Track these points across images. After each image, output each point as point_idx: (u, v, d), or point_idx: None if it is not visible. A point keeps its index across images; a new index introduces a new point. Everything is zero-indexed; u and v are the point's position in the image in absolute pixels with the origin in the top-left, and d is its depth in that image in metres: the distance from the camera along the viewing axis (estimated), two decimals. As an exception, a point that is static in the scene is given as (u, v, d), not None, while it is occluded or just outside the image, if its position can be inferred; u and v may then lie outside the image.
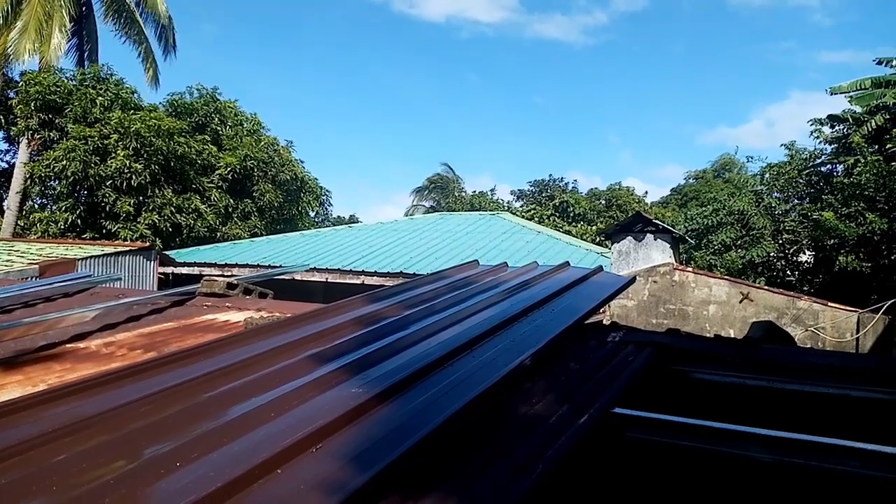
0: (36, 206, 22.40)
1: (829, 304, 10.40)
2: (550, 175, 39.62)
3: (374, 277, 13.60)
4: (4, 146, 25.78)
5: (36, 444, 1.70)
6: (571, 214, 33.34)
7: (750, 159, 24.73)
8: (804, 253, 18.70)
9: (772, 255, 18.53)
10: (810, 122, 18.76)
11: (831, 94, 18.02)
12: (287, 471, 1.57)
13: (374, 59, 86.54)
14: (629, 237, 11.18)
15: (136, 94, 22.82)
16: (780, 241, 18.65)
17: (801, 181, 19.19)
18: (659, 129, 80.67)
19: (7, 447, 1.69)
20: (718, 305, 10.53)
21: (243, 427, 1.81)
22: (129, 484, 1.51)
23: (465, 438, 1.95)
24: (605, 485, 2.11)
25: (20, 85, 21.30)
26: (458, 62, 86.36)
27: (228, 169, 22.52)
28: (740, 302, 10.47)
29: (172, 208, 20.36)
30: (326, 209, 31.93)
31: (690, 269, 11.40)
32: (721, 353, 3.13)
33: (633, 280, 4.54)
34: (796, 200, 19.66)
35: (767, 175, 20.56)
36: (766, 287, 11.36)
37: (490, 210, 27.85)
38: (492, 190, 42.31)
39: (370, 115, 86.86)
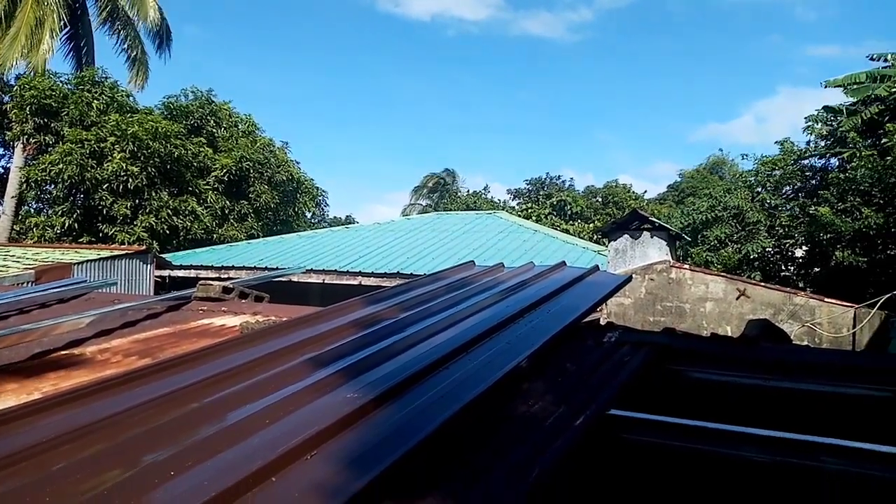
0: (32, 210, 22.34)
1: (826, 299, 10.42)
2: (547, 173, 39.79)
3: (372, 278, 13.60)
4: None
5: (32, 453, 1.70)
6: (569, 213, 33.38)
7: (745, 157, 24.72)
8: (800, 248, 18.75)
9: (767, 249, 18.57)
10: (806, 119, 18.80)
11: (825, 87, 18.07)
12: (282, 478, 1.56)
13: (363, 60, 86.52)
14: (626, 235, 11.18)
15: (131, 97, 22.80)
16: (776, 236, 18.70)
17: (795, 176, 19.23)
18: (649, 127, 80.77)
19: (3, 457, 1.69)
20: (715, 302, 10.54)
21: (239, 434, 1.80)
22: (124, 494, 1.50)
23: (461, 441, 1.95)
24: (601, 487, 2.12)
25: (15, 89, 21.26)
26: (446, 61, 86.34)
27: (224, 170, 22.51)
28: (737, 299, 10.48)
29: (169, 211, 20.33)
30: (323, 210, 31.96)
31: (687, 266, 11.41)
32: (717, 352, 3.13)
33: (629, 279, 4.54)
34: (791, 195, 19.71)
35: (762, 171, 20.60)
36: (762, 283, 11.37)
37: (487, 210, 27.84)
38: (485, 188, 42.54)
39: (361, 114, 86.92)
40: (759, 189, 20.09)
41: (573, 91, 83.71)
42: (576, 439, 2.02)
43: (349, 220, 40.28)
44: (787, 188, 19.72)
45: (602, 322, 3.85)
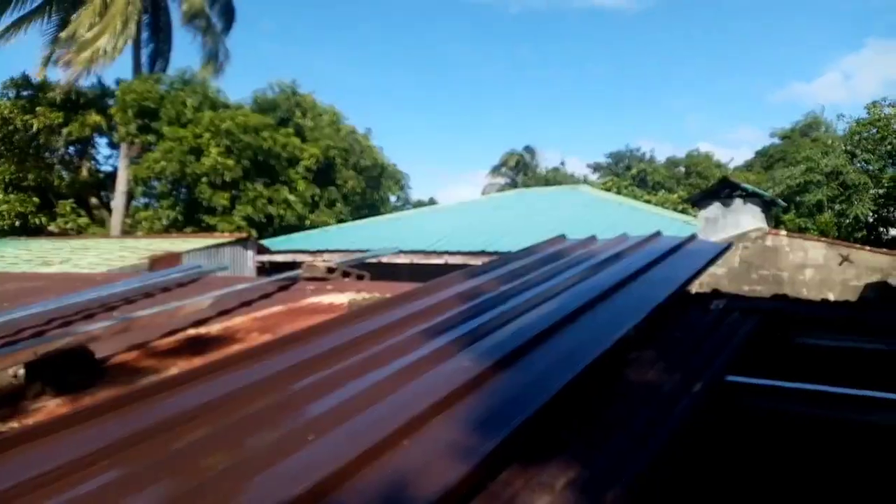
0: (140, 205, 23.78)
1: (943, 263, 9.70)
2: (627, 145, 38.86)
3: (458, 257, 13.70)
4: (107, 151, 27.48)
5: (188, 417, 1.86)
6: (650, 184, 32.42)
7: (841, 117, 22.97)
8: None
9: (870, 211, 17.47)
10: None
11: None
12: (415, 440, 1.65)
13: (429, 42, 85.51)
14: (716, 203, 10.76)
15: (220, 93, 23.78)
16: (877, 199, 17.53)
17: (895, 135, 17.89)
18: (725, 91, 76.03)
19: (157, 423, 1.86)
20: (816, 269, 10.01)
21: (365, 402, 1.90)
22: (267, 456, 1.62)
23: (579, 407, 1.98)
24: (722, 454, 2.10)
25: (116, 94, 22.58)
26: (512, 37, 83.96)
27: (312, 159, 23.18)
28: (839, 264, 9.91)
29: (264, 200, 21.18)
30: (406, 193, 32.37)
31: (784, 232, 10.88)
32: (832, 316, 3.02)
33: (729, 246, 4.41)
34: (891, 155, 18.35)
35: (859, 131, 19.27)
36: (867, 247, 10.69)
37: (567, 184, 27.42)
38: (562, 164, 42.24)
39: (433, 97, 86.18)
40: (858, 151, 18.82)
41: (643, 59, 79.83)
42: (695, 405, 2.02)
43: (432, 202, 40.64)
44: (888, 148, 18.36)
45: (694, 292, 3.76)
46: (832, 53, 76.03)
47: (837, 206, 18.01)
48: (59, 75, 22.69)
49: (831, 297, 9.71)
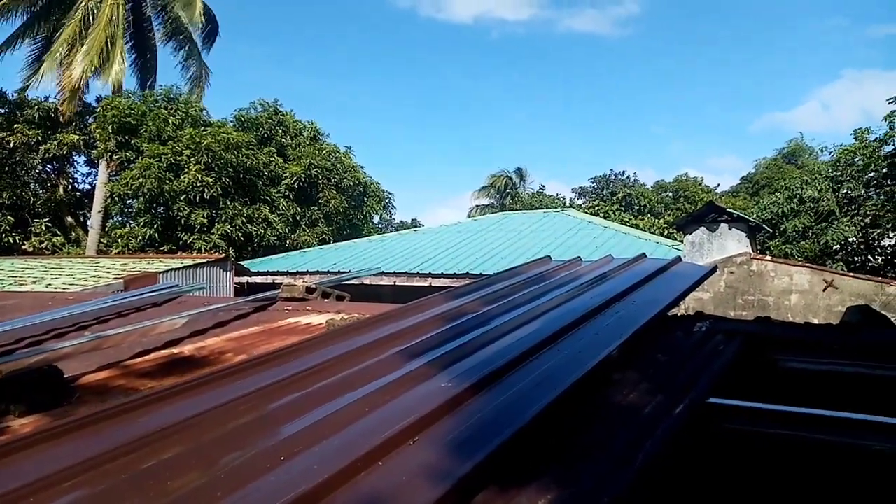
0: (117, 223, 23.51)
1: (922, 289, 9.81)
2: (611, 170, 39.20)
3: (441, 279, 13.66)
4: (85, 169, 27.24)
5: (158, 437, 1.78)
6: (636, 208, 32.69)
7: (823, 149, 23.48)
8: (888, 236, 17.81)
9: (850, 239, 17.71)
10: (889, 101, 17.68)
11: None
12: (388, 462, 1.59)
13: (413, 67, 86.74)
14: (702, 228, 10.84)
15: (204, 111, 23.68)
16: (861, 225, 17.80)
17: (879, 163, 18.21)
18: (706, 119, 78.12)
19: (126, 443, 1.78)
20: (800, 295, 10.09)
21: (339, 423, 1.84)
22: (237, 477, 1.55)
23: (559, 429, 1.93)
24: (704, 476, 2.06)
25: (98, 110, 22.42)
26: (492, 63, 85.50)
27: (294, 178, 23.10)
28: (824, 290, 10.00)
29: (243, 218, 21.02)
30: (390, 213, 32.32)
31: (769, 257, 10.97)
32: (816, 339, 3.00)
33: (714, 269, 4.41)
34: (875, 183, 18.66)
35: (842, 159, 19.63)
36: (851, 273, 10.82)
37: (551, 208, 27.55)
38: (541, 188, 42.61)
39: (415, 119, 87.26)
40: (841, 179, 19.13)
41: (625, 86, 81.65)
42: (676, 428, 1.98)
43: (415, 224, 40.63)
44: (872, 175, 18.68)
45: (678, 315, 3.74)
46: (810, 83, 78.27)
47: (816, 234, 18.28)
48: (40, 94, 22.61)
49: (816, 322, 9.76)
